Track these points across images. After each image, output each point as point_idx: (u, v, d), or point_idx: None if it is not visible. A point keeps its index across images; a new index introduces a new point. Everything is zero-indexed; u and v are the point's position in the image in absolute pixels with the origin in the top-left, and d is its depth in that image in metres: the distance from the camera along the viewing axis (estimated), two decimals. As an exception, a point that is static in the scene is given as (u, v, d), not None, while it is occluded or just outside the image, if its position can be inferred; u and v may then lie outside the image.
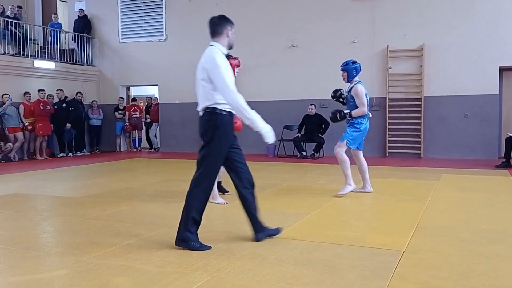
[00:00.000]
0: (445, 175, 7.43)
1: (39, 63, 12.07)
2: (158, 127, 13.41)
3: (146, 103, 13.77)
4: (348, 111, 5.64)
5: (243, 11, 12.03)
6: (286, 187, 6.49)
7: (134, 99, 14.00)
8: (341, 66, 5.79)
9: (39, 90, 11.36)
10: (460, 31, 10.10)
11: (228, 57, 3.64)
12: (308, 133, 10.71)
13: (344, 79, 5.77)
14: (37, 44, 12.91)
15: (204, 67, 3.48)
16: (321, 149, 10.66)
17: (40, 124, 11.18)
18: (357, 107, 5.58)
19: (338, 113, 5.68)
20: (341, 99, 5.95)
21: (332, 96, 6.09)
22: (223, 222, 4.40)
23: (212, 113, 3.47)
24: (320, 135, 10.56)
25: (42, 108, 11.24)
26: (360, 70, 5.76)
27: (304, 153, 10.68)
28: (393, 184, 6.57)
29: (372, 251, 3.42)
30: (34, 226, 4.49)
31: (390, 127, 10.71)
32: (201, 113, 3.57)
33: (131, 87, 14.31)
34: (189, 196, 3.51)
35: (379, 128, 10.73)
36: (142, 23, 13.39)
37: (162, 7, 13.07)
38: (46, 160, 11.22)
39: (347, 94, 5.76)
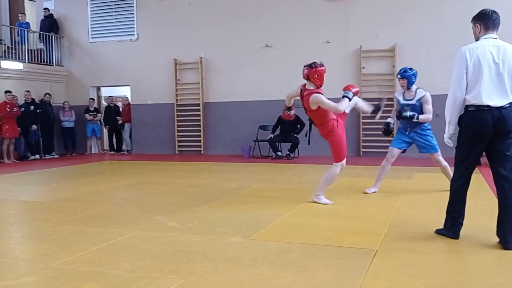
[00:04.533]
0: (417, 174, 7.55)
1: (6, 64, 11.70)
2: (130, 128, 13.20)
3: (107, 103, 13.44)
4: (416, 113, 5.53)
5: (216, 11, 11.97)
6: (261, 188, 6.46)
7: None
8: (400, 74, 5.67)
9: (5, 92, 10.99)
10: (430, 32, 10.29)
11: None
12: (284, 133, 10.71)
13: (403, 86, 5.68)
14: (4, 44, 12.52)
15: None
16: (296, 149, 10.69)
17: (6, 127, 10.84)
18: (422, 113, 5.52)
19: (404, 112, 5.58)
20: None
21: (390, 131, 5.99)
22: (196, 224, 4.34)
23: None
24: (295, 135, 10.57)
25: (8, 110, 10.89)
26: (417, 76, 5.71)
27: (279, 153, 10.68)
28: (366, 183, 6.61)
29: (346, 250, 3.43)
30: (1, 231, 4.32)
31: (364, 126, 10.82)
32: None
33: (101, 88, 14.04)
34: None
35: (353, 128, 10.82)
36: (112, 22, 13.14)
37: (133, 6, 12.86)
38: (14, 163, 10.88)
39: (412, 101, 5.61)
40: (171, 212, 4.87)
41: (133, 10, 12.90)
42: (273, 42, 11.49)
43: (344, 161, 5.15)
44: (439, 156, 5.67)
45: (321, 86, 5.06)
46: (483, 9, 3.61)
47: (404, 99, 5.74)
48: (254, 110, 11.49)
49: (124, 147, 13.30)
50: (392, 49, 10.57)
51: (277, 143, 10.76)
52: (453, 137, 3.65)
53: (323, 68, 5.01)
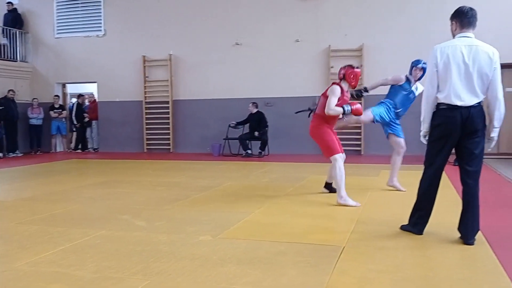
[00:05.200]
0: (383, 171, 7.67)
1: (-33, 59, 11.26)
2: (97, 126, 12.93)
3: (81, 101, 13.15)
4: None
5: (186, 8, 11.86)
6: (230, 186, 6.45)
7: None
8: (421, 65, 5.69)
9: (-33, 88, 10.59)
10: (397, 32, 10.49)
11: None
12: (252, 131, 10.73)
13: (416, 77, 5.75)
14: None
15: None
16: (266, 146, 10.72)
17: (-32, 124, 10.45)
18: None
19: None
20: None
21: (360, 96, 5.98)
22: (164, 223, 4.28)
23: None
24: (258, 132, 10.56)
25: (-30, 107, 10.49)
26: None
27: (249, 151, 10.68)
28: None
29: (313, 247, 3.46)
30: (-43, 233, 4.16)
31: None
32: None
33: (67, 85, 13.68)
34: (477, 194, 3.50)
35: (322, 126, 10.93)
36: (79, 17, 12.82)
37: (101, 1, 12.57)
38: (-25, 162, 10.49)
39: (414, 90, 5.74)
40: (138, 211, 4.80)
41: (100, 5, 12.63)
42: (243, 40, 11.48)
43: (339, 154, 5.11)
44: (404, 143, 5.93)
45: (354, 87, 5.38)
46: (461, 6, 3.57)
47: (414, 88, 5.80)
48: (224, 108, 11.46)
49: (90, 145, 13.03)
50: (360, 49, 10.73)
51: (247, 141, 10.77)
52: (427, 135, 3.69)
53: (359, 70, 5.29)
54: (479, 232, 3.56)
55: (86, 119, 12.80)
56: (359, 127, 10.79)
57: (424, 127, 3.64)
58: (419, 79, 5.77)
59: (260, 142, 10.68)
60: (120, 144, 12.47)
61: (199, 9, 11.79)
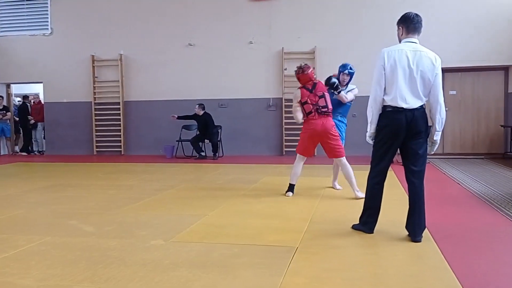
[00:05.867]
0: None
1: None
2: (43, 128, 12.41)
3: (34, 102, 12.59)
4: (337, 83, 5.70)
5: (137, 7, 11.61)
6: (183, 189, 6.35)
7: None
8: (347, 69, 5.76)
9: None
10: (348, 36, 10.73)
11: None
12: (202, 133, 10.63)
13: (343, 81, 5.78)
14: None
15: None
16: (219, 148, 10.66)
17: None
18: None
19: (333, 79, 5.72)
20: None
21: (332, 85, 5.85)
22: (114, 228, 4.15)
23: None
24: (207, 135, 10.47)
25: None
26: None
27: (202, 153, 10.59)
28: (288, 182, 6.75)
29: (267, 248, 3.46)
30: None
31: (286, 126, 11.04)
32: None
33: (11, 85, 13.04)
34: (422, 193, 3.63)
35: (276, 128, 11.02)
36: (24, 15, 12.24)
37: (47, -1, 12.11)
38: None
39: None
40: (87, 215, 4.63)
41: (46, 2, 12.13)
42: (196, 41, 11.37)
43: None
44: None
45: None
46: (407, 12, 3.70)
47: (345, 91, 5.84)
48: (177, 109, 11.26)
49: (35, 148, 12.48)
50: (312, 52, 10.90)
51: (200, 143, 10.67)
52: (373, 136, 3.77)
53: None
54: (426, 229, 3.68)
55: (31, 121, 12.25)
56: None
57: (372, 128, 3.71)
58: (346, 84, 5.89)
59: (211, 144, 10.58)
60: (68, 146, 12.02)
61: (151, 8, 11.58)
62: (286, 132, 11.05)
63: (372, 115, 3.68)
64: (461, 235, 3.82)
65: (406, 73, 3.52)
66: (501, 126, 10.34)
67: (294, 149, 10.84)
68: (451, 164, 9.02)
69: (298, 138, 11.46)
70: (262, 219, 4.46)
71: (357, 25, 10.72)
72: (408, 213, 3.66)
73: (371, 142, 3.81)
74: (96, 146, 11.93)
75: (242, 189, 6.15)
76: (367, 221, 3.83)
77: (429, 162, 9.14)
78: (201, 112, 10.64)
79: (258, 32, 11.13)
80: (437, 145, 3.72)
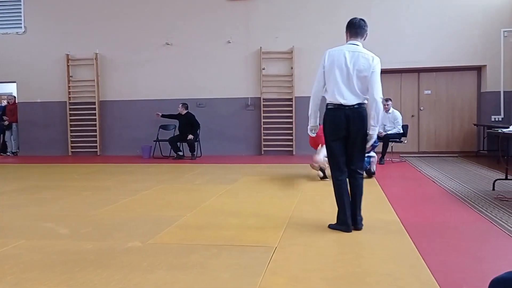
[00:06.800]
0: (313, 171, 7.87)
1: None
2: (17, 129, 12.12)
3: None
4: None
5: (113, 5, 11.45)
6: (161, 189, 6.30)
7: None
8: None
9: None
10: (325, 36, 10.78)
11: None
12: (182, 133, 10.56)
13: None
14: None
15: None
16: (197, 148, 10.61)
17: None
18: None
19: None
20: None
21: None
22: (90, 230, 4.08)
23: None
24: (191, 135, 10.38)
25: None
26: None
27: (180, 153, 10.51)
28: (268, 182, 6.76)
29: (246, 249, 3.45)
30: None
31: (265, 126, 11.06)
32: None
33: (-17, 85, 12.73)
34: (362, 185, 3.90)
35: (255, 127, 11.02)
36: (-4, 13, 11.97)
37: (20, -4, 11.83)
38: None
39: None
40: (62, 218, 4.54)
41: (20, 0, 11.86)
42: (174, 40, 11.28)
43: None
44: None
45: None
46: (352, 18, 4.04)
47: None
48: (154, 109, 11.17)
49: (9, 149, 12.18)
50: (290, 51, 10.94)
51: (178, 143, 10.59)
52: (313, 129, 4.06)
53: None
54: (402, 227, 3.74)
55: (6, 122, 11.96)
56: (291, 128, 10.99)
57: (311, 121, 4.01)
58: None
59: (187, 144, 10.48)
60: (43, 147, 11.77)
61: (128, 6, 11.44)
62: (265, 131, 11.07)
63: (311, 109, 3.96)
64: (436, 233, 3.89)
65: (343, 71, 3.78)
66: (474, 125, 10.59)
67: (273, 148, 10.98)
68: (426, 162, 9.18)
69: (277, 137, 11.57)
70: (240, 218, 4.45)
71: (335, 25, 10.76)
72: (351, 205, 3.87)
73: (312, 134, 4.11)
74: (72, 146, 11.72)
75: (221, 189, 6.13)
76: (341, 218, 3.90)
77: (404, 161, 9.31)
78: (184, 112, 10.56)
79: (236, 31, 11.11)
80: (372, 140, 3.91)
